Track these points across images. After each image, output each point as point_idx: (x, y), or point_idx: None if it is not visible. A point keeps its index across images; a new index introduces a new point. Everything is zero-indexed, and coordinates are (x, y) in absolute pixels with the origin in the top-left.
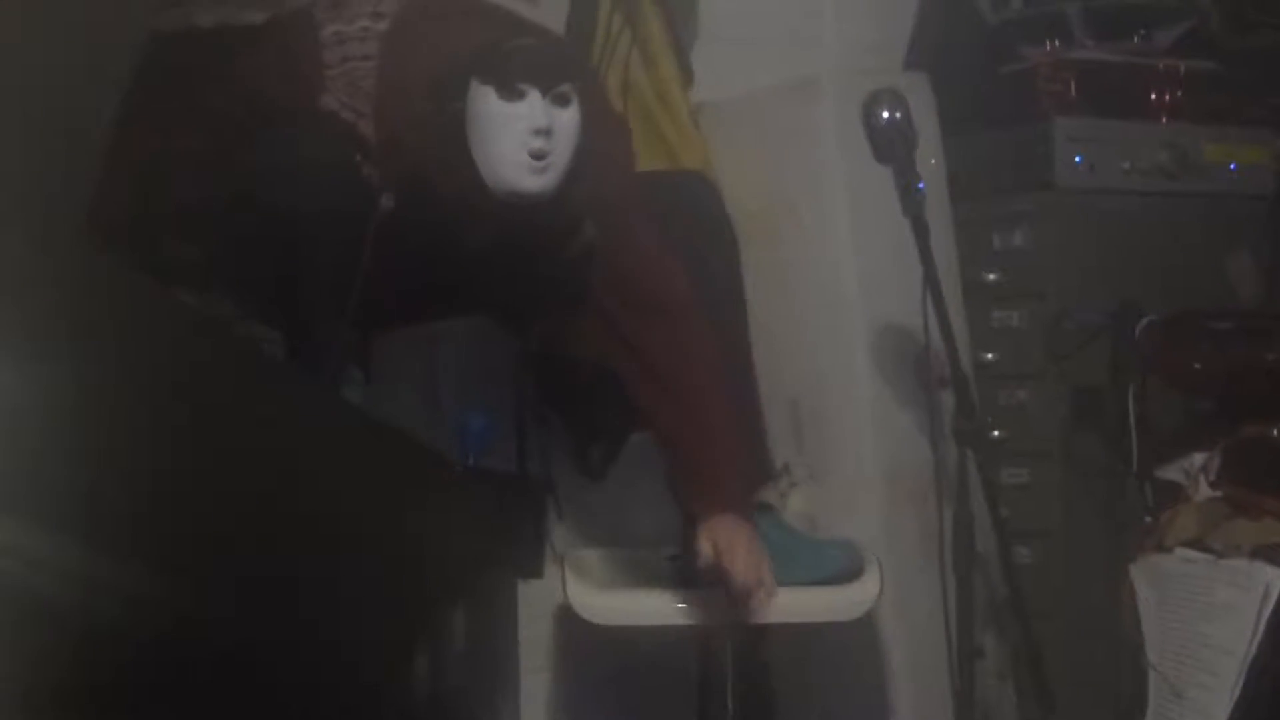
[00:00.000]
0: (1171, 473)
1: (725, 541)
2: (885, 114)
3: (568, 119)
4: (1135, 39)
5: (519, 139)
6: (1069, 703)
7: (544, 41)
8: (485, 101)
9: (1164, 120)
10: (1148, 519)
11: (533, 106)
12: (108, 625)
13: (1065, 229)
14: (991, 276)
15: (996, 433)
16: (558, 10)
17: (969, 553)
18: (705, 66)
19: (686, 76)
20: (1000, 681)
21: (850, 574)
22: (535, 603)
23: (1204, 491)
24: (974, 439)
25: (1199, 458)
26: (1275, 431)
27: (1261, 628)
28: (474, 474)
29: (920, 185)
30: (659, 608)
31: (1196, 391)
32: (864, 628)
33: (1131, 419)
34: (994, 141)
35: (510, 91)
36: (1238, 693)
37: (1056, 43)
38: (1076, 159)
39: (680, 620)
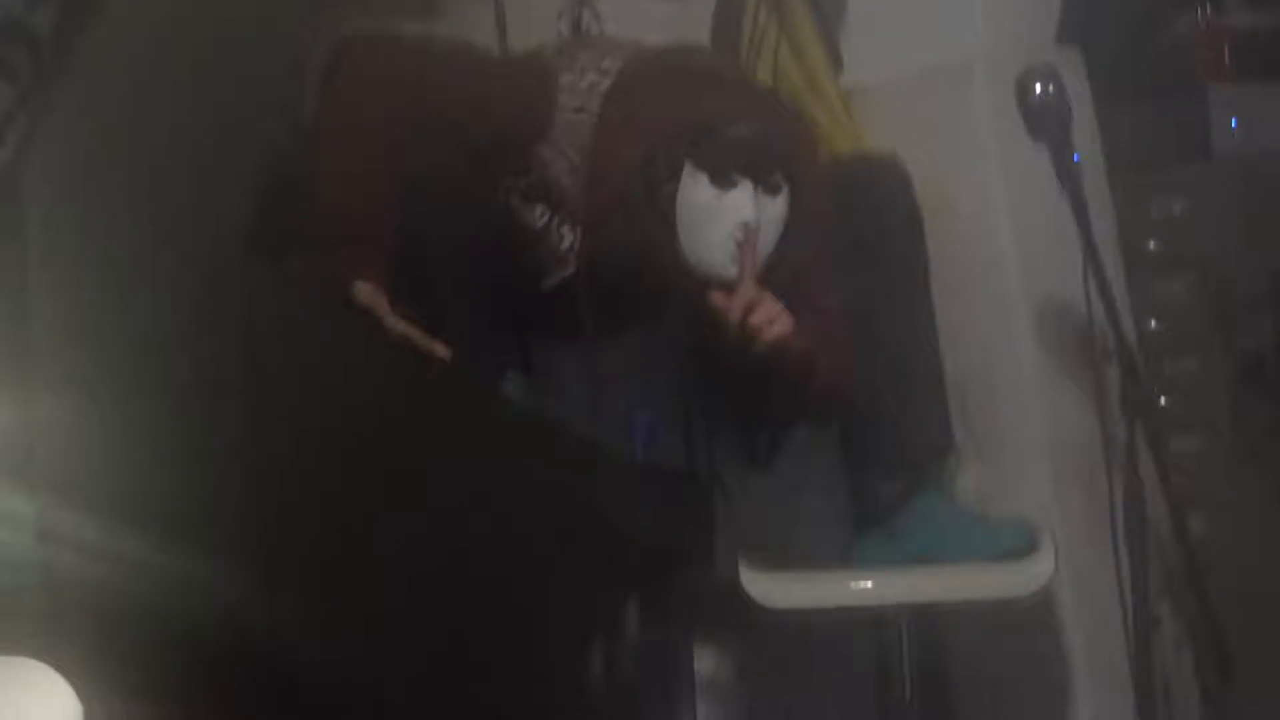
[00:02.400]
0: None
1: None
2: (1038, 90)
3: (775, 208)
4: None
5: (727, 228)
6: (1247, 669)
7: (759, 129)
8: (697, 187)
9: None
10: None
11: (744, 196)
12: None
13: (1224, 195)
14: (1152, 245)
15: (1163, 402)
16: (705, 2)
17: (1141, 523)
18: (855, 53)
19: (836, 63)
20: (1178, 651)
21: (1024, 550)
22: (708, 592)
23: None
24: (1141, 410)
25: None
26: None
27: None
28: (643, 468)
29: (1076, 158)
30: (833, 590)
31: None
32: (1039, 604)
33: None
34: (1150, 112)
35: (724, 180)
36: None
37: (1209, 10)
38: (1232, 125)
39: (855, 602)
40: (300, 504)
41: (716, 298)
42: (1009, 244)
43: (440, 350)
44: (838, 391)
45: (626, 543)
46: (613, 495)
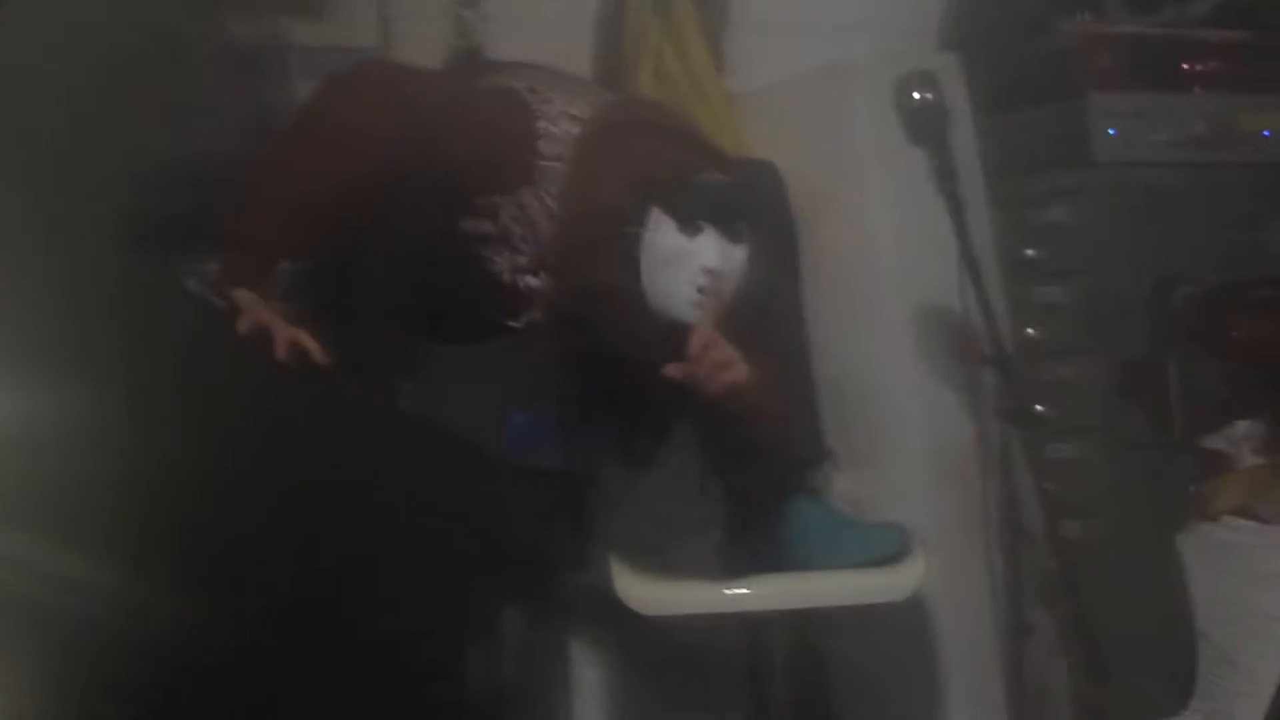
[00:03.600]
0: (1216, 442)
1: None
2: (917, 96)
3: (738, 256)
4: (1168, 10)
5: (690, 274)
6: (1121, 675)
7: (726, 179)
8: (664, 233)
9: (1198, 91)
10: (1193, 489)
11: (708, 244)
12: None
13: (1103, 203)
14: (1031, 253)
15: (1040, 409)
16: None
17: (1016, 529)
18: (738, 55)
19: (719, 65)
20: (1051, 657)
21: (898, 555)
22: (583, 596)
23: (1249, 459)
24: (1018, 416)
25: (1243, 426)
26: None
27: None
28: (520, 471)
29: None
30: (708, 596)
31: (1238, 360)
32: (913, 608)
33: (1174, 390)
34: (1030, 119)
35: (690, 227)
36: None
37: (1090, 17)
38: (1112, 133)
39: (729, 608)
40: (175, 503)
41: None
42: (887, 249)
43: (312, 346)
44: (787, 440)
45: (501, 545)
46: (487, 497)
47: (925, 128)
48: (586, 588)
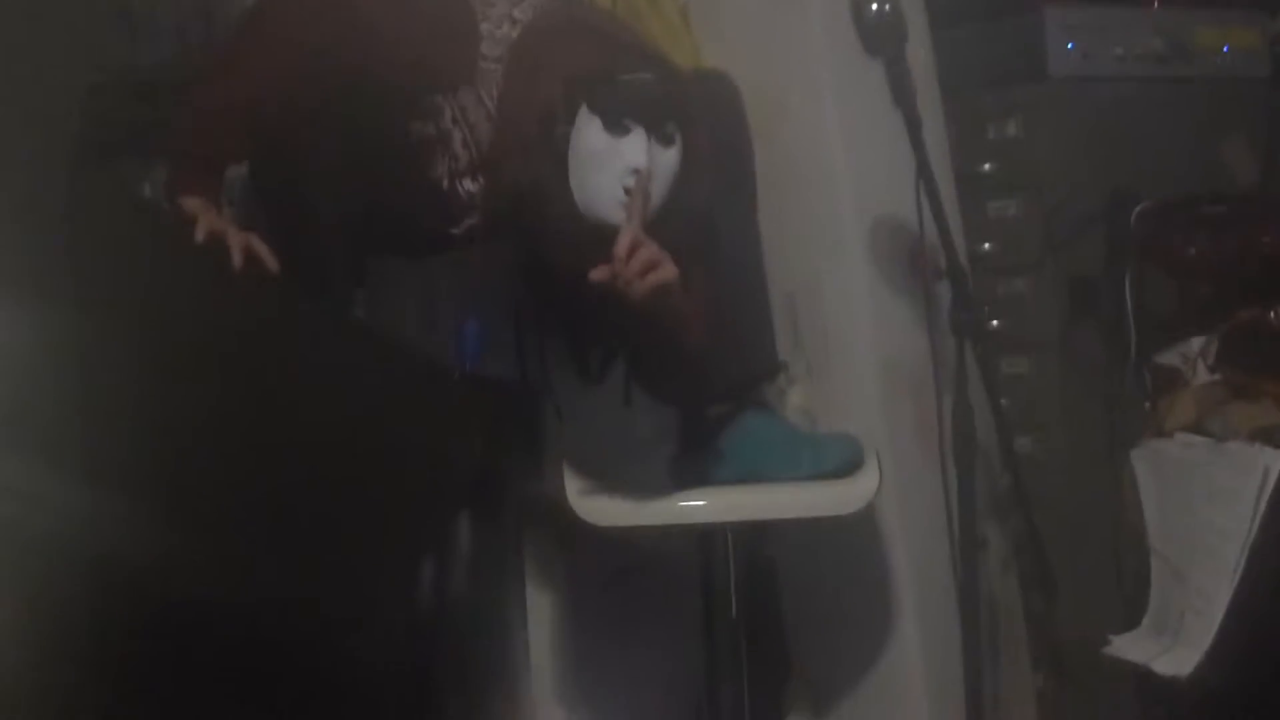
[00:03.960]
0: (1169, 358)
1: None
2: (875, 7)
3: (667, 159)
4: None
5: (616, 174)
6: (1072, 590)
7: (657, 78)
8: (590, 131)
9: (1155, 5)
10: (1147, 405)
11: (635, 144)
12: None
13: (1058, 118)
14: (987, 167)
15: (994, 323)
16: None
17: (969, 443)
18: None
19: None
20: (1004, 571)
21: (850, 468)
22: (536, 506)
23: (1202, 376)
24: (971, 330)
25: (1196, 343)
26: (1272, 315)
27: (1261, 509)
28: (471, 380)
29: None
30: (660, 508)
31: (1192, 277)
32: (865, 522)
33: (1128, 306)
34: (986, 32)
35: (616, 126)
36: (1239, 575)
37: None
38: (1068, 47)
39: (682, 520)
40: (129, 414)
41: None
42: (841, 162)
43: (264, 252)
44: (721, 349)
45: (453, 454)
46: (439, 406)
47: (882, 40)
48: (539, 499)
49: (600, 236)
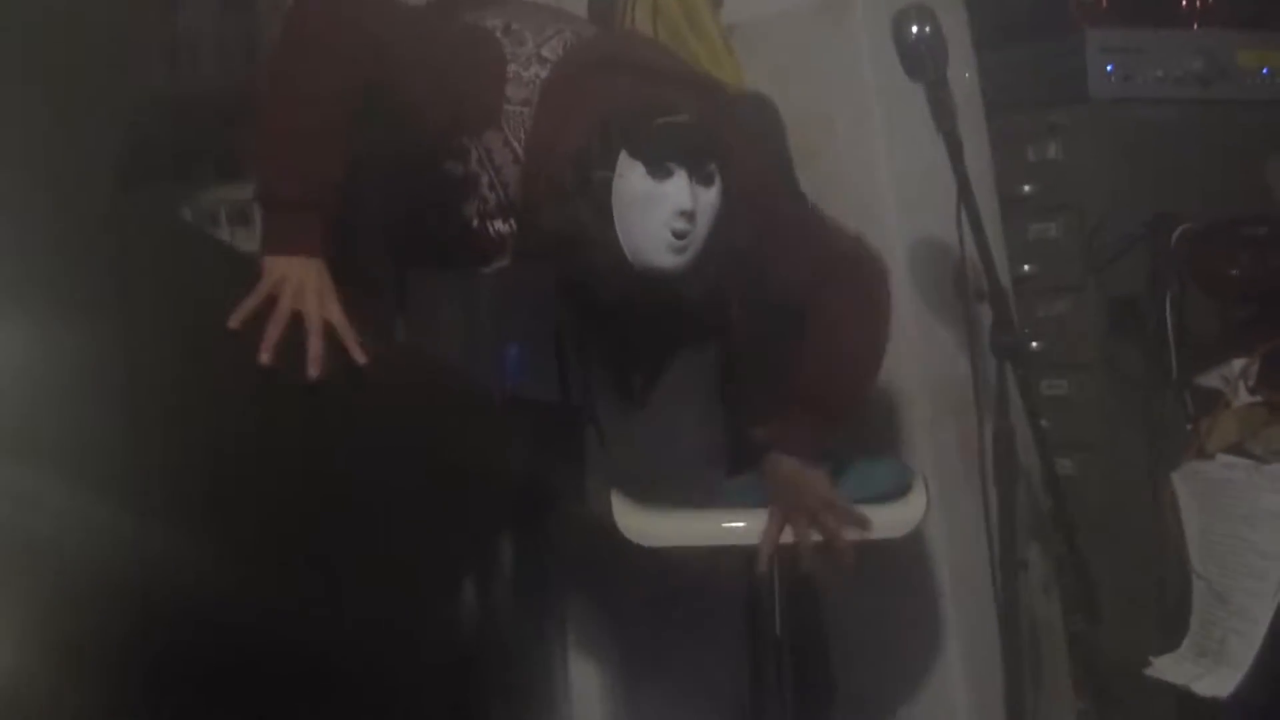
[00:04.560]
0: (1211, 380)
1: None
2: (915, 29)
3: (710, 198)
4: None
5: (663, 218)
6: (1114, 612)
7: (693, 119)
8: (634, 177)
9: (1195, 27)
10: (1188, 427)
11: (679, 187)
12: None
13: (1100, 140)
14: (1027, 189)
15: (1036, 345)
16: None
17: (1011, 465)
18: None
19: None
20: (1045, 592)
21: (898, 491)
22: (579, 528)
23: (1244, 397)
24: (1013, 351)
25: (1238, 364)
26: None
27: None
28: (514, 402)
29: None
30: (705, 528)
31: (1234, 298)
32: (910, 544)
33: (1169, 328)
34: (1027, 54)
35: (659, 170)
36: None
37: None
38: (1109, 69)
39: (727, 541)
40: (168, 439)
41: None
42: (885, 183)
43: (358, 355)
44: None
45: (496, 477)
46: (481, 428)
47: (923, 62)
48: (582, 520)
49: (642, 276)
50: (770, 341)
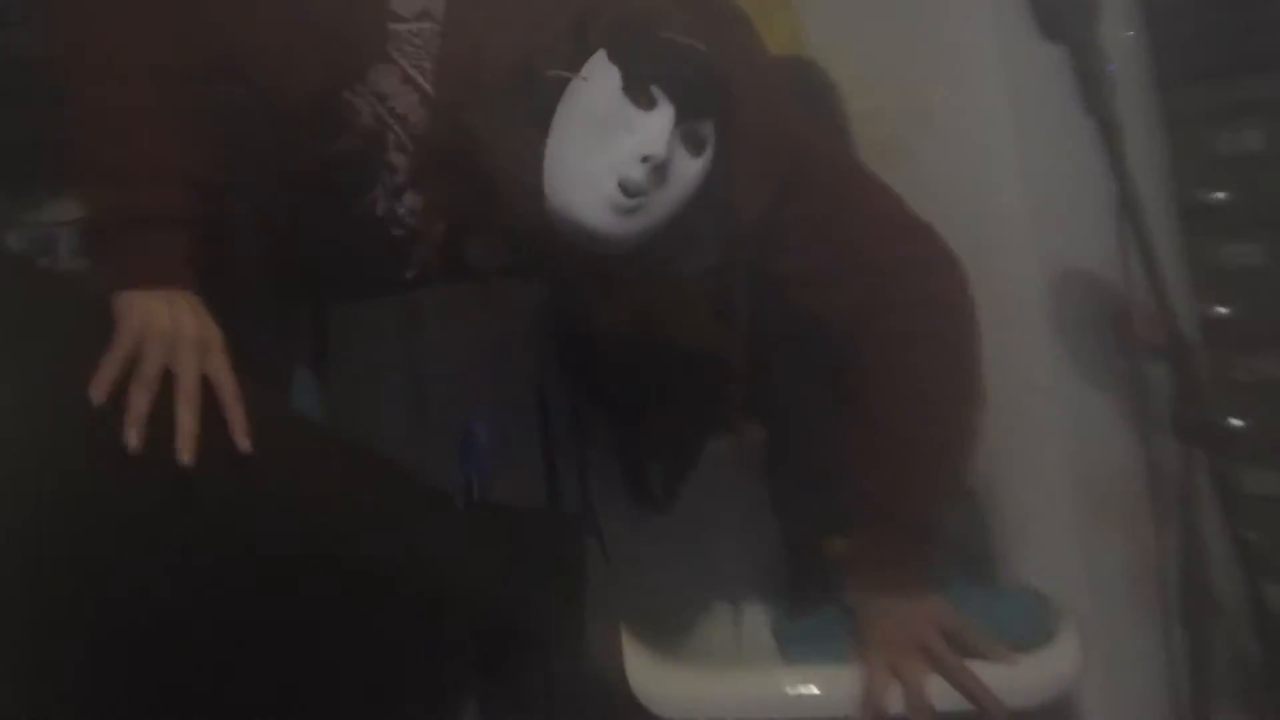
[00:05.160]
0: None
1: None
2: None
3: (690, 170)
4: None
5: (618, 157)
6: None
7: (706, 50)
8: (602, 85)
9: None
10: None
11: (658, 124)
12: None
13: None
14: (1219, 196)
15: (1237, 423)
16: None
17: (1203, 596)
18: None
19: None
20: None
21: (1038, 638)
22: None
23: None
24: (1203, 431)
25: None
26: None
27: None
28: (483, 510)
29: (1109, 68)
30: (761, 696)
31: None
32: (1056, 710)
33: None
34: (1210, 9)
35: (640, 92)
36: None
37: None
38: None
39: (790, 714)
40: (41, 551)
41: None
42: (1008, 191)
43: (242, 437)
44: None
45: (458, 614)
46: (438, 546)
47: (1065, 20)
48: (584, 679)
49: (561, 230)
50: (816, 401)
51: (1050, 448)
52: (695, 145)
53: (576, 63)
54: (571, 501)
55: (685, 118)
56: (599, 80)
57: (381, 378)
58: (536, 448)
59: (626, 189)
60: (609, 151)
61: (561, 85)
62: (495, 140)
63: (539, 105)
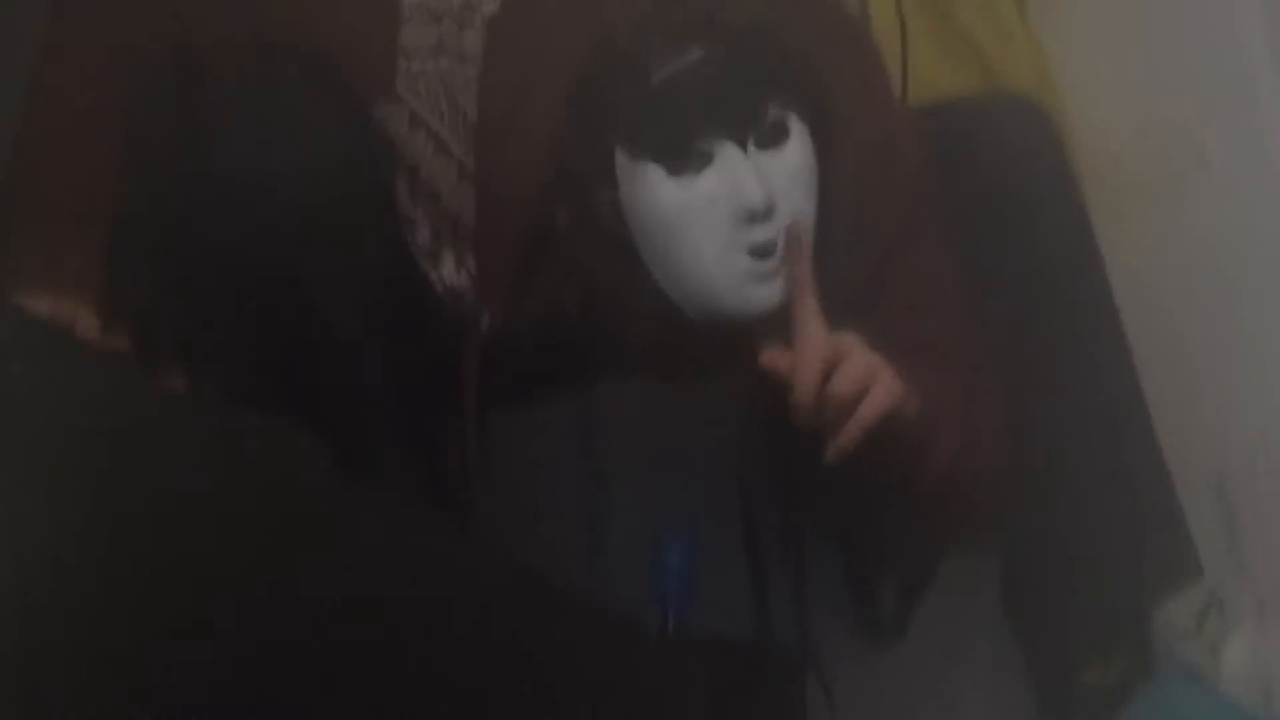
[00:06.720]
0: None
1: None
2: None
3: (785, 161)
4: None
5: (725, 234)
6: None
7: (703, 55)
8: (648, 185)
9: None
10: None
11: (733, 172)
12: None
13: None
14: None
15: None
16: None
17: None
18: None
19: None
20: None
21: None
22: None
23: None
24: None
25: None
26: None
27: None
28: (680, 645)
29: None
30: None
31: None
32: None
33: None
34: None
35: (683, 160)
36: None
37: None
38: None
39: None
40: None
41: (768, 357)
42: None
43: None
44: (977, 485)
45: None
46: (634, 687)
47: None
48: None
49: (729, 331)
50: None
51: None
52: (768, 135)
53: (606, 172)
54: (785, 630)
55: (746, 130)
56: (639, 182)
57: (551, 492)
58: (742, 568)
59: (757, 253)
60: (713, 230)
61: (616, 209)
62: (584, 260)
63: (608, 238)
